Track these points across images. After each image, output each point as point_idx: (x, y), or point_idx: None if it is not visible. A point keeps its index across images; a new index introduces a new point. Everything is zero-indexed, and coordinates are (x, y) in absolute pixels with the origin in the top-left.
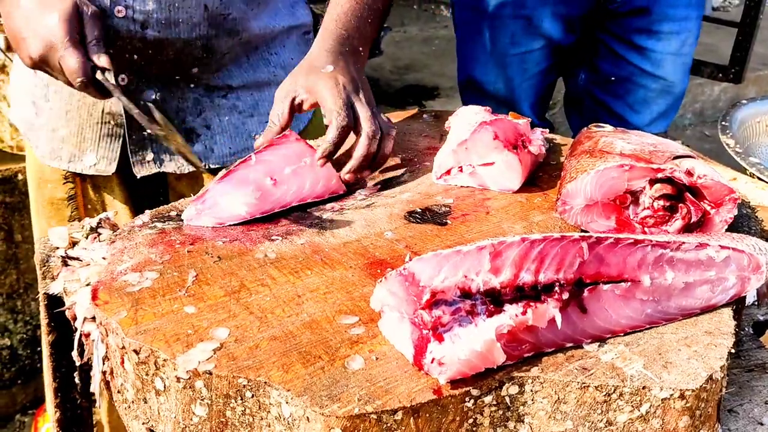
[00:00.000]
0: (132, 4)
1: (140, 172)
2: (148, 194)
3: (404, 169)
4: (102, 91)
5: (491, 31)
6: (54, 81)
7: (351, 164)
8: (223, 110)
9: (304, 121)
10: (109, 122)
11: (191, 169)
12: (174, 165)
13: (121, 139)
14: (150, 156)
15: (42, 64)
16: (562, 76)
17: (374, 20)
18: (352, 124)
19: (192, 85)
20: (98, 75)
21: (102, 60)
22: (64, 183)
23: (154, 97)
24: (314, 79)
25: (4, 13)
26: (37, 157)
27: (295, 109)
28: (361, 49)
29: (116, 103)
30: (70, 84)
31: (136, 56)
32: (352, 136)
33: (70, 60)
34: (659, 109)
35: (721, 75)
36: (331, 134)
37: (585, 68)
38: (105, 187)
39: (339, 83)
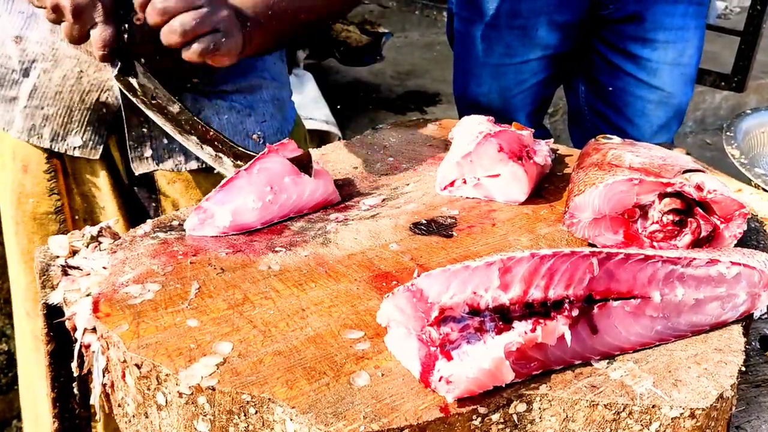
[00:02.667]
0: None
1: (138, 168)
2: (139, 205)
3: (408, 179)
4: (113, 62)
5: (486, 41)
6: (44, 58)
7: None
8: (221, 109)
9: (285, 134)
10: (101, 110)
11: (191, 167)
12: (172, 163)
13: (107, 125)
14: (149, 152)
15: (72, 14)
16: (564, 88)
17: (277, 19)
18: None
19: (189, 86)
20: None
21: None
22: (50, 195)
23: None
24: None
25: None
26: (10, 134)
27: None
28: (249, 24)
29: (112, 96)
30: (70, 36)
31: (143, 61)
32: None
33: (105, 31)
34: (659, 122)
35: (723, 83)
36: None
37: (584, 80)
38: (95, 197)
39: None
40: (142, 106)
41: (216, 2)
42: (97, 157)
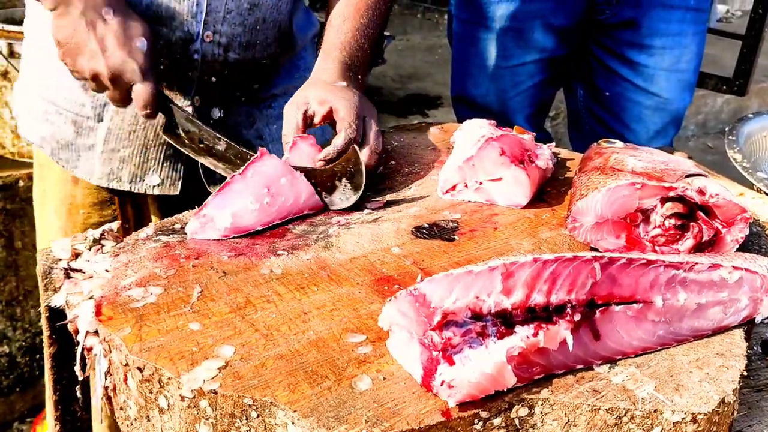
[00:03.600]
0: (220, 29)
1: (212, 189)
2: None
3: (411, 183)
4: (153, 114)
5: (484, 44)
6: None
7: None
8: (271, 119)
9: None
10: None
11: None
12: None
13: (183, 160)
14: (218, 175)
15: (103, 77)
16: (564, 92)
17: (371, 51)
18: (360, 138)
19: (244, 99)
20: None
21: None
22: (102, 208)
23: (219, 115)
24: (328, 90)
25: (71, 17)
26: (80, 176)
27: (306, 121)
28: (360, 77)
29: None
30: (113, 101)
31: (214, 78)
32: None
33: (147, 89)
34: (656, 127)
35: (725, 87)
36: (340, 141)
37: (582, 84)
38: (143, 204)
39: (355, 95)
40: (192, 154)
41: (376, 120)
42: (177, 192)
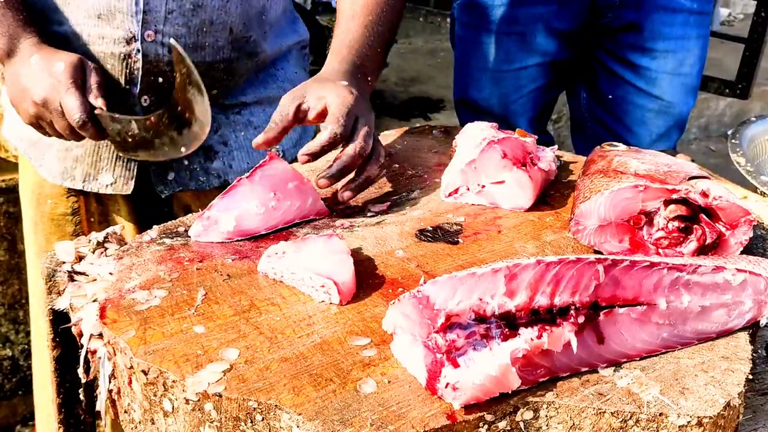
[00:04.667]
0: (162, 28)
1: (164, 192)
2: (152, 205)
3: (414, 186)
4: (99, 131)
5: (486, 47)
6: None
7: (329, 171)
8: (238, 126)
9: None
10: None
11: (214, 184)
12: (194, 183)
13: (135, 160)
14: (171, 176)
15: (42, 109)
16: (567, 95)
17: (382, 50)
18: (348, 135)
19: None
20: (97, 111)
21: (99, 102)
22: (68, 197)
23: None
24: (327, 87)
25: (11, 73)
26: (43, 176)
27: (299, 115)
28: (369, 78)
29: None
30: (65, 133)
31: (161, 79)
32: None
33: (71, 99)
34: (658, 131)
35: (728, 90)
36: (324, 137)
37: (585, 87)
38: (109, 199)
39: (352, 94)
40: (126, 154)
41: (372, 124)
42: (129, 192)
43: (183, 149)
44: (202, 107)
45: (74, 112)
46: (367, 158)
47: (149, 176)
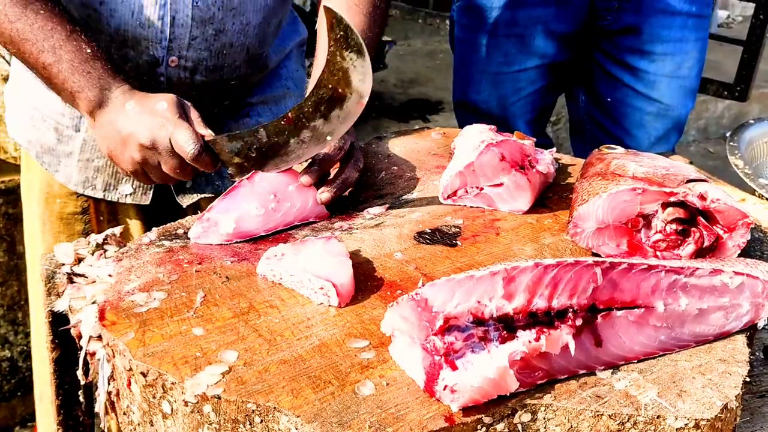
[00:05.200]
0: (185, 54)
1: (184, 201)
2: (160, 207)
3: (413, 188)
4: (213, 160)
5: (486, 50)
6: None
7: (336, 188)
8: (248, 127)
9: None
10: None
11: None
12: (211, 188)
13: None
14: (189, 184)
15: (150, 152)
16: (566, 97)
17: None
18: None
19: (216, 111)
20: (207, 138)
21: (207, 131)
22: (77, 197)
23: None
24: None
25: (106, 123)
26: (61, 182)
27: None
28: None
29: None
30: (174, 173)
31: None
32: None
33: (182, 132)
34: (657, 133)
35: (726, 93)
36: (324, 162)
37: (584, 90)
38: (119, 199)
39: None
40: (257, 168)
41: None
42: (148, 202)
43: (329, 137)
44: (361, 73)
45: (188, 144)
46: (344, 160)
47: (168, 187)
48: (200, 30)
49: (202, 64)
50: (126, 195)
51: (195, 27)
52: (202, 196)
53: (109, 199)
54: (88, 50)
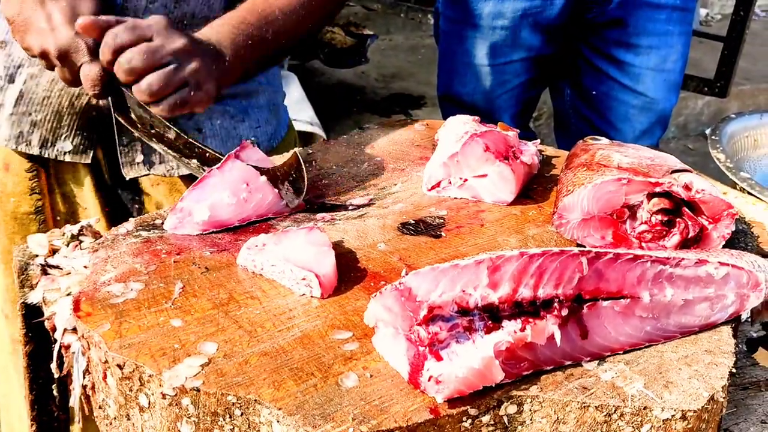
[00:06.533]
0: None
1: (129, 173)
2: (122, 206)
3: (396, 179)
4: (109, 97)
5: (471, 42)
6: (30, 63)
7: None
8: (214, 114)
9: (278, 139)
10: (91, 114)
11: (183, 172)
12: (164, 168)
13: (97, 130)
14: (140, 158)
15: (58, 59)
16: (550, 92)
17: (269, 49)
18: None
19: None
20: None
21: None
22: (31, 195)
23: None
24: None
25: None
26: None
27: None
28: (228, 58)
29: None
30: (70, 81)
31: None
32: None
33: (94, 69)
34: (642, 127)
35: (706, 89)
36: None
37: (569, 84)
38: (77, 197)
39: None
40: (144, 138)
41: (186, 53)
42: (88, 161)
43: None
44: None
45: (94, 83)
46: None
47: (117, 163)
48: None
49: None
50: (64, 152)
51: None
52: (150, 173)
53: (45, 155)
54: None
